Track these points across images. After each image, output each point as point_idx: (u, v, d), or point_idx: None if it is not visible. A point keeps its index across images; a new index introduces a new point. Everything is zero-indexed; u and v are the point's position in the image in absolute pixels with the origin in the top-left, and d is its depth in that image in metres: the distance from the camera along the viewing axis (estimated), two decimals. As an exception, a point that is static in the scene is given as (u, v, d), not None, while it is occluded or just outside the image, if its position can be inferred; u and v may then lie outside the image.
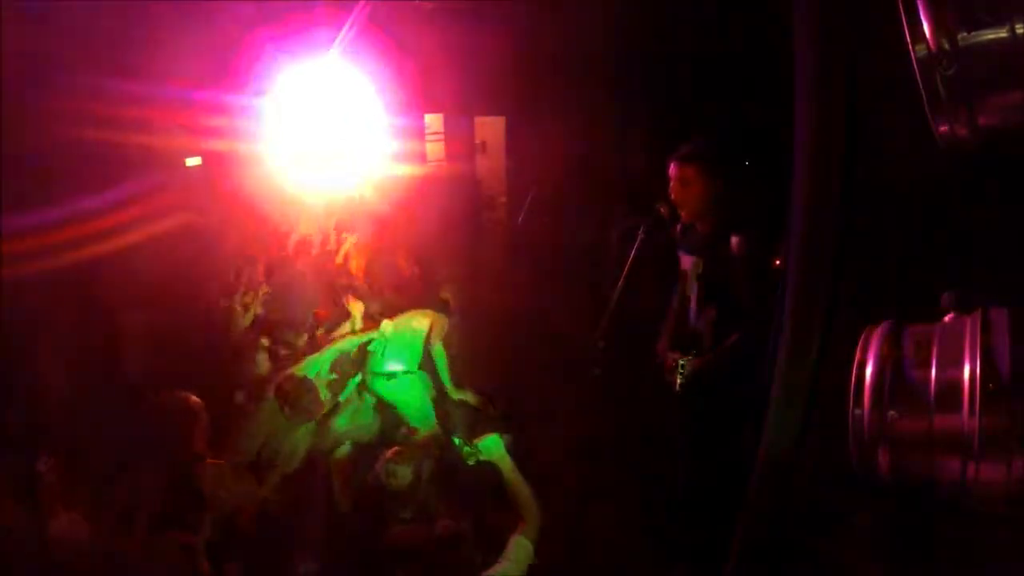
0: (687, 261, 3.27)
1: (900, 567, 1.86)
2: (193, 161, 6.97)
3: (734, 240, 3.04)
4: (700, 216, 3.18)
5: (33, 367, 4.11)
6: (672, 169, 3.16)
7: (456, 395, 4.53)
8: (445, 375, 4.73)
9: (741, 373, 3.02)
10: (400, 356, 4.65)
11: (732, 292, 3.07)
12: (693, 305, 3.22)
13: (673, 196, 3.17)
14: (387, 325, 4.66)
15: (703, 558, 3.04)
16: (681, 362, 3.13)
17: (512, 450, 3.44)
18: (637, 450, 4.11)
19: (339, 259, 6.08)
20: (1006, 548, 1.41)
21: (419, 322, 4.78)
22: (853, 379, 1.26)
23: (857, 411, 1.25)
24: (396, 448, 3.65)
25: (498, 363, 5.53)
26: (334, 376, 4.48)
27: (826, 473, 2.10)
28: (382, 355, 4.64)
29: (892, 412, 1.22)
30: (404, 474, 3.34)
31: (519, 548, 2.85)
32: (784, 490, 2.25)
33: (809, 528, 2.19)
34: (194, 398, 3.70)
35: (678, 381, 3.12)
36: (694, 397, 3.25)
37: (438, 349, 4.74)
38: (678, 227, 3.31)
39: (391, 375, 4.61)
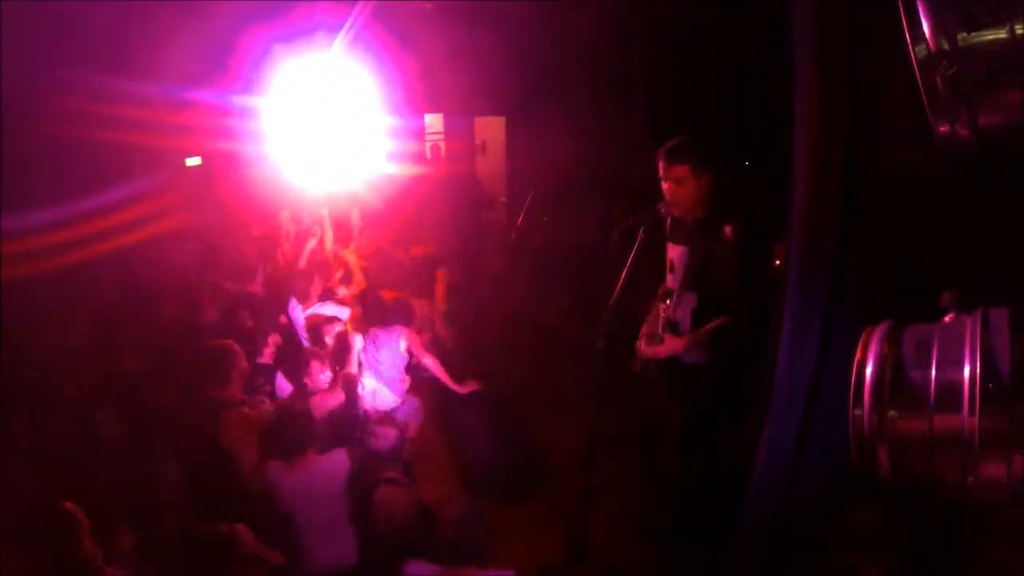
0: (675, 251, 3.29)
1: (900, 567, 1.86)
2: (193, 161, 6.98)
3: (722, 230, 3.05)
4: (691, 211, 3.20)
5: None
6: (661, 167, 3.17)
7: None
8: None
9: (728, 363, 3.03)
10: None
11: (716, 281, 3.08)
12: (676, 293, 3.23)
13: (665, 193, 3.18)
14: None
15: (703, 557, 3.04)
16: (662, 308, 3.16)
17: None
18: (636, 448, 4.12)
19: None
20: (1006, 547, 1.41)
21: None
22: (853, 379, 1.26)
23: (857, 411, 1.24)
24: (380, 412, 3.77)
25: (498, 363, 5.54)
26: None
27: (826, 473, 2.10)
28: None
29: (892, 412, 1.21)
30: (387, 436, 3.41)
31: None
32: (784, 490, 2.25)
33: (809, 528, 2.19)
34: (235, 345, 3.84)
35: (660, 325, 3.15)
36: (685, 389, 3.26)
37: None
38: (667, 219, 3.33)
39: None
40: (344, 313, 5.32)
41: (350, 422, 3.97)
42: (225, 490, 3.41)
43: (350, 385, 4.11)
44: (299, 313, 5.16)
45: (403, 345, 4.77)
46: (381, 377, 4.70)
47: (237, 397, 3.78)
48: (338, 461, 3.47)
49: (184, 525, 3.20)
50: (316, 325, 4.84)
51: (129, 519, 3.06)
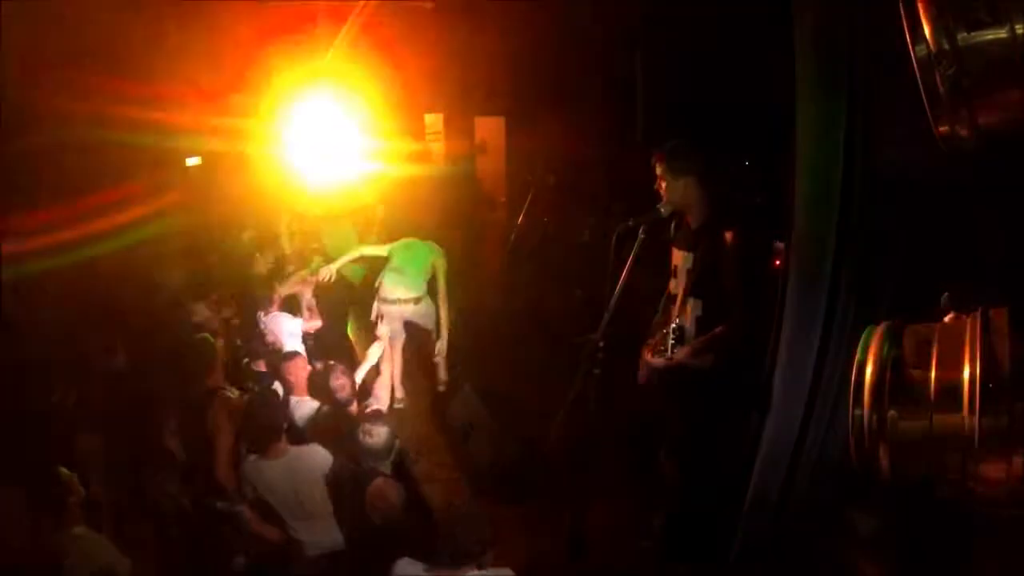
0: (677, 256, 3.29)
1: (900, 567, 1.86)
2: (193, 161, 6.98)
3: (724, 235, 3.05)
4: (689, 212, 3.20)
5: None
6: (657, 165, 3.17)
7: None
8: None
9: (731, 367, 3.03)
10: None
11: (720, 286, 3.08)
12: (680, 299, 3.23)
13: (660, 191, 3.18)
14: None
15: (703, 556, 3.04)
16: (669, 331, 3.15)
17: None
18: (636, 449, 4.12)
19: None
20: (1006, 547, 1.41)
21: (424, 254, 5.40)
22: (853, 379, 1.26)
23: (857, 411, 1.24)
24: (373, 410, 3.81)
25: (498, 363, 5.54)
26: None
27: (826, 473, 2.11)
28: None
29: (892, 412, 1.21)
30: (379, 433, 3.43)
31: None
32: (784, 490, 2.25)
33: (809, 528, 2.19)
34: (211, 338, 4.01)
35: (669, 346, 3.14)
36: (686, 391, 3.25)
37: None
38: (670, 223, 3.32)
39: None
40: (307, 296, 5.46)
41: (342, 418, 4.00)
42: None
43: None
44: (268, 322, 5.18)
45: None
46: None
47: (218, 385, 3.87)
48: (315, 454, 3.53)
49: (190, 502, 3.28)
50: (275, 366, 4.74)
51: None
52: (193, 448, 3.73)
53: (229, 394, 3.79)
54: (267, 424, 3.43)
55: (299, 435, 4.03)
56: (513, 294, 6.77)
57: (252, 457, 3.47)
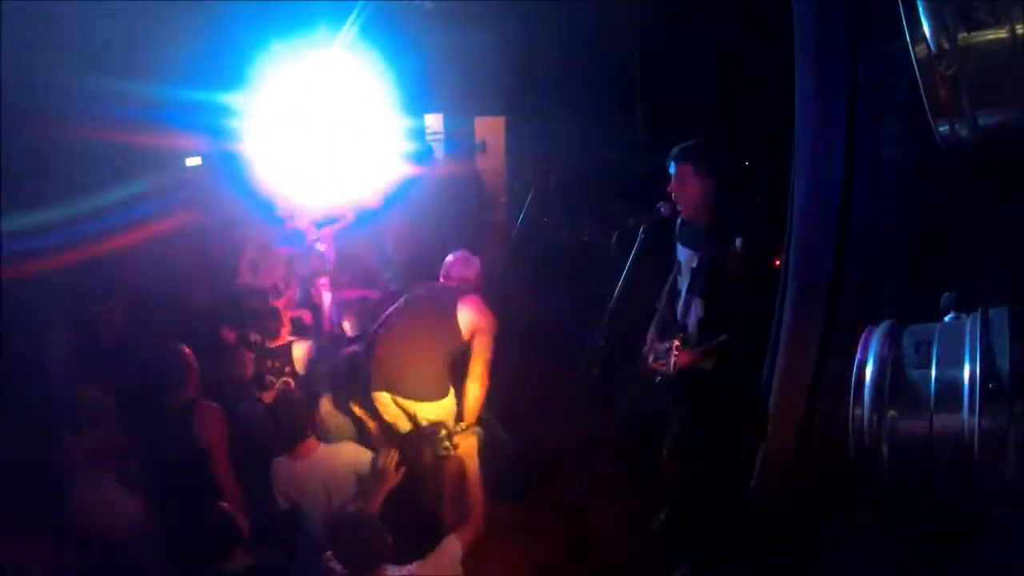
0: (684, 254, 3.29)
1: (900, 567, 1.86)
2: (193, 161, 6.97)
3: (731, 237, 3.05)
4: (698, 213, 3.20)
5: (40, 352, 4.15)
6: (671, 167, 3.18)
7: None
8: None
9: (732, 369, 3.03)
10: None
11: (724, 287, 3.08)
12: (683, 297, 3.23)
13: (672, 194, 3.18)
14: None
15: (702, 556, 3.04)
16: (672, 346, 3.13)
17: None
18: (636, 448, 4.12)
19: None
20: (1006, 548, 1.41)
21: None
22: (853, 379, 1.26)
23: (857, 411, 1.25)
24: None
25: (498, 363, 5.54)
26: None
27: (826, 473, 2.10)
28: None
29: (892, 412, 1.22)
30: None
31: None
32: (784, 489, 2.25)
33: (809, 527, 2.19)
34: (185, 348, 3.80)
35: (671, 363, 3.13)
36: (688, 392, 3.26)
37: None
38: (678, 220, 3.32)
39: None
40: None
41: None
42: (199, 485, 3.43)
43: None
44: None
45: None
46: None
47: (191, 398, 3.71)
48: (346, 452, 3.51)
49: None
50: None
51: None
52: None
53: (211, 404, 3.73)
54: (292, 424, 3.41)
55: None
56: (513, 294, 6.76)
57: (281, 458, 3.44)
